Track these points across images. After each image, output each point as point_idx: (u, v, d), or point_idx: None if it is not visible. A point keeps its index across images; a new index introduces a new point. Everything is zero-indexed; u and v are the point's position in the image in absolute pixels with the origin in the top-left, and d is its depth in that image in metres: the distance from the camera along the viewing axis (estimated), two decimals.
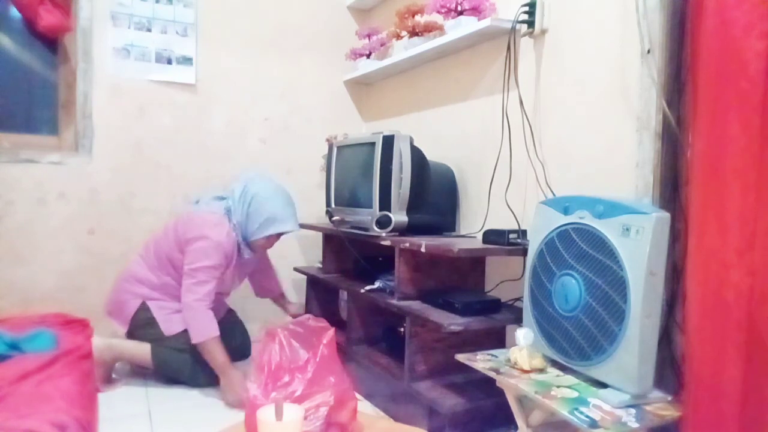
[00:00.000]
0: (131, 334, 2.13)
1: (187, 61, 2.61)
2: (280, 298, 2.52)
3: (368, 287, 2.07)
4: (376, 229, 1.97)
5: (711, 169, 1.15)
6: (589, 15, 1.69)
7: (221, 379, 1.97)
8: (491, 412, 1.68)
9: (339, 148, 2.31)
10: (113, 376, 2.16)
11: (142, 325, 2.10)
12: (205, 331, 1.95)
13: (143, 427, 1.79)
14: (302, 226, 2.40)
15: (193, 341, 1.96)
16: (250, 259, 2.17)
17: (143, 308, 2.10)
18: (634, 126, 1.53)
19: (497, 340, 1.92)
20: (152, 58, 2.55)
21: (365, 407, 1.93)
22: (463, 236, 2.12)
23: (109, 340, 2.11)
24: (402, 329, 1.96)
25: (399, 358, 1.88)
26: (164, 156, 2.59)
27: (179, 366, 2.08)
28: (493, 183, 2.04)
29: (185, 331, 2.00)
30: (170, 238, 2.10)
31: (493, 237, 1.79)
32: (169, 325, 2.07)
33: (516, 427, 1.45)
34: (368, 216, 2.01)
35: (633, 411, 1.25)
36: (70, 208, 2.44)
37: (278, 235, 2.15)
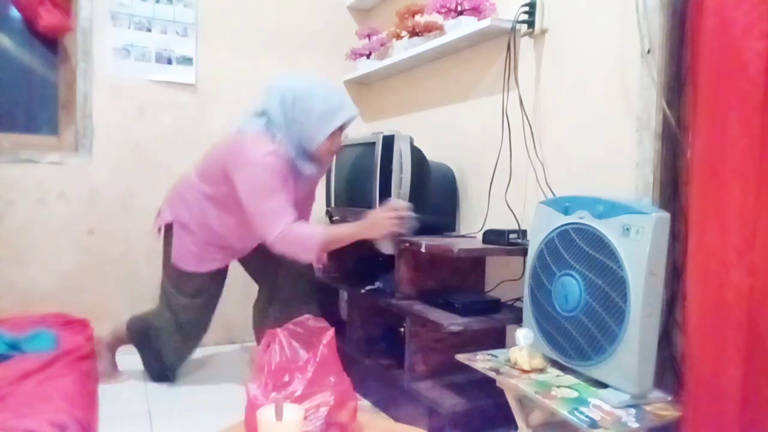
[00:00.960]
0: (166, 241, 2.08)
1: (187, 61, 2.61)
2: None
3: (368, 287, 2.07)
4: None
5: (711, 169, 1.15)
6: (589, 15, 1.69)
7: (363, 233, 1.80)
8: (491, 412, 1.68)
9: None
10: (118, 368, 2.18)
11: (165, 241, 2.07)
12: (310, 241, 1.77)
13: (143, 426, 1.79)
14: None
15: (308, 259, 1.86)
16: (313, 174, 1.93)
17: (169, 227, 2.05)
18: (634, 126, 1.53)
19: (497, 340, 1.92)
20: (152, 58, 2.55)
21: (365, 407, 1.93)
22: (463, 236, 2.12)
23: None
24: (402, 329, 1.96)
25: (399, 358, 1.88)
26: (164, 156, 2.59)
27: (158, 323, 2.06)
28: (493, 183, 2.04)
29: (190, 277, 2.00)
30: (214, 167, 1.91)
31: (493, 237, 1.79)
32: (180, 254, 2.02)
33: (516, 427, 1.45)
34: None
35: (633, 411, 1.25)
36: (70, 208, 2.44)
37: (341, 130, 1.87)
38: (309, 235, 1.77)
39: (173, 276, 2.04)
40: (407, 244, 1.83)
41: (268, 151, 1.76)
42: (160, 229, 2.08)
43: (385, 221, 1.74)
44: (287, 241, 1.76)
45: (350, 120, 1.85)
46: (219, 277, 2.12)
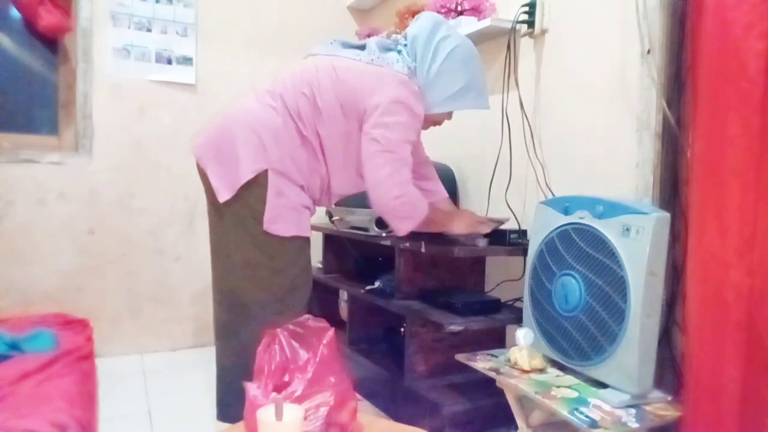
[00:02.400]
0: (216, 208, 1.60)
1: (187, 61, 2.61)
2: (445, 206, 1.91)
3: (368, 287, 2.07)
4: (375, 229, 1.97)
5: (711, 169, 1.15)
6: (589, 15, 1.69)
7: (452, 230, 1.72)
8: (491, 412, 1.68)
9: None
10: None
11: (242, 203, 1.53)
12: (422, 204, 1.60)
13: (143, 426, 1.80)
14: None
15: (406, 230, 1.60)
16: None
17: (259, 180, 1.51)
18: (634, 126, 1.53)
19: (497, 340, 1.92)
20: (152, 58, 2.55)
21: (365, 407, 1.93)
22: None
23: None
24: (402, 329, 1.96)
25: (399, 358, 1.88)
26: (164, 156, 2.59)
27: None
28: (493, 183, 2.04)
29: (291, 242, 1.54)
30: (344, 97, 1.53)
31: (493, 237, 1.79)
32: (273, 216, 1.51)
33: (516, 427, 1.45)
34: (368, 216, 2.01)
35: (633, 411, 1.25)
36: (70, 208, 2.44)
37: (450, 114, 1.69)
38: (422, 201, 1.60)
39: (269, 252, 1.54)
40: (407, 245, 1.83)
41: (418, 100, 1.54)
42: (236, 186, 1.52)
43: (473, 223, 1.72)
44: (408, 196, 1.55)
45: (476, 109, 1.64)
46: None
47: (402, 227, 1.61)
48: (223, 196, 1.55)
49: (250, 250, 1.55)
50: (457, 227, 1.72)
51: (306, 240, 1.60)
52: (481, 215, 1.81)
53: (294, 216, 1.56)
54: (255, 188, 1.52)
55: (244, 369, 1.32)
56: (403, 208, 1.56)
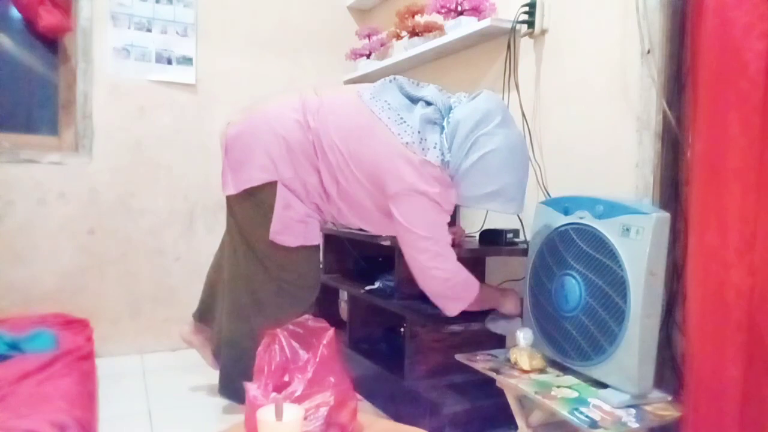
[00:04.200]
0: (232, 205, 1.67)
1: (187, 61, 2.61)
2: None
3: (368, 287, 2.07)
4: None
5: (711, 169, 1.15)
6: (589, 15, 1.69)
7: (502, 307, 1.69)
8: (491, 412, 1.68)
9: None
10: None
11: (252, 202, 1.61)
12: (472, 287, 1.59)
13: (143, 426, 1.80)
14: None
15: (457, 311, 1.60)
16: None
17: (268, 189, 1.58)
18: (634, 126, 1.53)
19: (497, 340, 1.92)
20: (152, 58, 2.55)
21: (365, 407, 1.93)
22: None
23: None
24: (402, 329, 1.96)
25: (399, 358, 1.88)
26: (164, 156, 2.59)
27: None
28: None
29: (295, 250, 1.61)
30: (360, 159, 1.54)
31: (491, 237, 1.79)
32: (282, 227, 1.59)
33: (516, 427, 1.45)
34: None
35: (633, 411, 1.25)
36: (70, 208, 2.44)
37: None
38: (472, 281, 1.59)
39: (273, 256, 1.63)
40: None
41: (447, 196, 1.51)
42: (244, 186, 1.61)
43: (518, 304, 1.68)
44: (455, 281, 1.56)
45: (504, 213, 1.58)
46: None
47: (452, 309, 1.60)
48: (228, 190, 1.62)
49: (249, 248, 1.66)
50: (510, 306, 1.68)
51: (311, 248, 1.66)
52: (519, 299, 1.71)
53: (301, 228, 1.62)
54: (263, 196, 1.58)
55: (252, 350, 1.43)
56: (452, 291, 1.57)
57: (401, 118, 1.53)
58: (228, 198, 1.67)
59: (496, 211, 1.54)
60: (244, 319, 1.69)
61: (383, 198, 1.55)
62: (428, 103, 1.57)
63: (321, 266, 2.03)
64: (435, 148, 1.49)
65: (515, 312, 1.68)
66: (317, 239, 1.67)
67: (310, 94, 1.65)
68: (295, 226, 1.60)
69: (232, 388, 1.72)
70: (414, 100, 1.59)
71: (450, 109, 1.57)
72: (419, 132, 1.50)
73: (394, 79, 1.65)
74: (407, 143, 1.49)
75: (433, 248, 1.52)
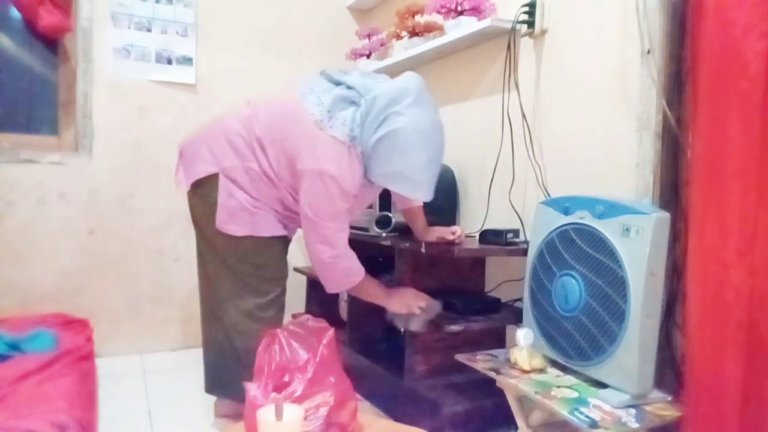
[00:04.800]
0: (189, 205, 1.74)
1: (187, 61, 2.61)
2: (416, 218, 1.88)
3: None
4: (376, 229, 1.97)
5: (711, 169, 1.15)
6: (589, 15, 1.69)
7: (388, 306, 1.74)
8: (491, 412, 1.68)
9: None
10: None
11: (199, 195, 1.68)
12: (353, 276, 1.66)
13: (143, 426, 1.80)
14: None
15: (334, 291, 1.71)
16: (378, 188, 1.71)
17: (212, 181, 1.64)
18: (634, 126, 1.53)
19: (497, 340, 1.92)
20: (152, 58, 2.55)
21: (365, 407, 1.93)
22: None
23: None
24: (402, 329, 1.95)
25: (399, 358, 1.88)
26: (164, 156, 2.59)
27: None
28: (493, 183, 2.04)
29: (245, 240, 1.63)
30: (281, 145, 1.59)
31: (491, 237, 1.79)
32: (228, 217, 1.63)
33: (516, 427, 1.45)
34: (368, 216, 2.01)
35: (633, 411, 1.25)
36: (70, 208, 2.44)
37: None
38: (354, 272, 1.66)
39: (223, 244, 1.66)
40: (407, 245, 1.83)
41: (348, 171, 1.52)
42: (193, 180, 1.68)
43: (410, 303, 1.71)
44: (333, 267, 1.63)
45: (412, 198, 1.65)
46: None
47: (329, 287, 1.70)
48: (180, 189, 1.74)
49: (209, 246, 1.70)
50: (394, 305, 1.73)
51: (265, 240, 1.67)
52: (420, 294, 1.74)
53: (246, 216, 1.64)
54: (208, 188, 1.65)
55: (230, 347, 1.70)
56: (330, 273, 1.65)
57: (320, 100, 1.57)
58: (188, 199, 1.75)
59: (404, 194, 1.56)
60: (216, 318, 1.72)
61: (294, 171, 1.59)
62: (350, 87, 1.59)
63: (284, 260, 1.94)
64: (344, 124, 1.52)
65: (400, 311, 1.72)
66: (270, 231, 1.67)
67: (257, 101, 1.73)
68: (239, 215, 1.63)
69: (218, 384, 1.78)
70: (337, 84, 1.62)
71: (372, 90, 1.58)
72: (329, 111, 1.53)
73: (323, 71, 1.69)
74: (317, 121, 1.53)
75: (321, 231, 1.57)
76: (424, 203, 1.84)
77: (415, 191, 1.53)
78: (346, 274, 1.65)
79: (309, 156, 1.53)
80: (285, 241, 1.75)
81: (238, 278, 1.67)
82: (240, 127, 1.64)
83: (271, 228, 1.68)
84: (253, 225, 1.64)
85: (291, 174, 1.60)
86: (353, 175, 1.53)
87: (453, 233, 1.73)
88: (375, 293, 1.73)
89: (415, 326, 1.72)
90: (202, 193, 1.67)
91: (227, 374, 1.71)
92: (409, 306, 1.70)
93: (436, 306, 1.72)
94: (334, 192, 1.52)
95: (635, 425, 1.19)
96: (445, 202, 2.18)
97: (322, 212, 1.55)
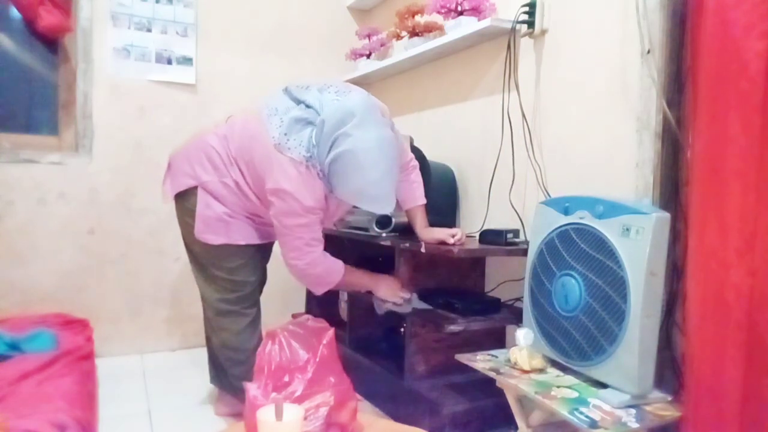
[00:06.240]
0: (177, 209, 1.85)
1: (187, 61, 2.61)
2: (417, 217, 1.90)
3: None
4: (376, 229, 1.97)
5: (711, 169, 1.15)
6: (589, 15, 1.69)
7: (377, 292, 1.85)
8: (491, 412, 1.68)
9: None
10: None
11: (181, 205, 1.82)
12: (332, 276, 1.76)
13: (143, 426, 1.80)
14: None
15: (321, 292, 1.81)
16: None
17: (191, 192, 1.77)
18: (634, 126, 1.53)
19: (497, 340, 1.92)
20: (152, 58, 2.55)
21: (365, 407, 1.93)
22: None
23: None
24: (402, 329, 1.96)
25: (399, 358, 1.88)
26: (164, 156, 2.56)
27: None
28: (492, 183, 2.04)
29: (220, 247, 1.75)
30: (252, 161, 1.69)
31: (491, 237, 1.79)
32: (204, 227, 1.75)
33: (516, 427, 1.45)
34: (368, 216, 2.01)
35: (633, 411, 1.25)
36: (70, 208, 2.44)
37: None
38: (333, 270, 1.76)
39: (203, 253, 1.79)
40: (407, 245, 1.83)
41: (308, 189, 1.59)
42: (175, 193, 1.81)
43: (395, 291, 1.83)
44: (309, 272, 1.73)
45: (373, 212, 1.73)
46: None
47: (315, 290, 1.81)
48: (166, 199, 1.85)
49: (189, 251, 1.85)
50: (383, 291, 1.84)
51: (239, 247, 1.78)
52: (399, 284, 1.86)
53: (221, 226, 1.76)
54: (190, 200, 1.77)
55: (210, 342, 1.91)
56: (308, 279, 1.77)
57: (281, 120, 1.64)
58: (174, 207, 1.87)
59: (366, 209, 1.62)
60: (206, 320, 1.89)
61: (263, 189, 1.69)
62: (308, 106, 1.64)
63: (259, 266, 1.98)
64: (300, 145, 1.59)
65: (387, 298, 1.83)
66: (245, 239, 1.79)
67: (234, 117, 1.83)
68: (215, 224, 1.75)
69: (212, 375, 1.92)
70: (297, 103, 1.68)
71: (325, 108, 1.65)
72: (285, 133, 1.61)
73: (286, 88, 1.75)
74: (276, 144, 1.61)
75: (293, 242, 1.67)
76: (426, 206, 1.90)
77: (374, 206, 1.59)
78: (326, 274, 1.76)
79: (270, 177, 1.63)
80: (261, 248, 1.87)
81: (211, 279, 1.81)
82: (217, 145, 1.76)
83: (246, 236, 1.79)
84: (228, 234, 1.76)
85: (264, 191, 1.69)
86: (314, 192, 1.61)
87: (453, 236, 1.73)
88: (362, 282, 1.85)
89: (402, 310, 1.83)
90: (183, 204, 1.80)
91: (215, 366, 1.90)
92: (395, 294, 1.82)
93: (414, 297, 1.86)
94: (297, 208, 1.61)
95: (635, 425, 1.19)
96: (445, 202, 2.18)
97: (290, 226, 1.65)
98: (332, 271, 1.77)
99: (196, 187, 1.76)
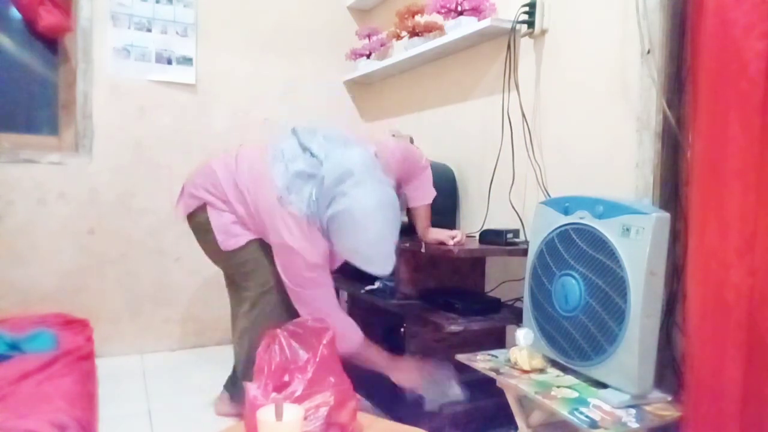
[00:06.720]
0: (192, 228, 1.82)
1: (187, 61, 2.61)
2: (420, 218, 1.88)
3: (368, 287, 2.07)
4: None
5: (711, 169, 1.15)
6: (589, 15, 1.69)
7: (392, 376, 1.71)
8: (491, 412, 1.68)
9: None
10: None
11: (197, 227, 1.79)
12: (350, 340, 1.67)
13: (143, 426, 1.80)
14: None
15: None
16: None
17: (202, 210, 1.75)
18: (634, 126, 1.53)
19: (497, 340, 1.92)
20: (152, 58, 2.55)
21: (365, 407, 1.93)
22: None
23: None
24: (402, 329, 1.95)
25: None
26: (164, 156, 2.59)
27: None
28: (492, 183, 2.04)
29: (245, 246, 1.72)
30: (257, 203, 1.67)
31: (491, 237, 1.79)
32: (225, 237, 1.72)
33: (516, 427, 1.45)
34: None
35: (633, 411, 1.25)
36: (70, 208, 2.44)
37: None
38: (345, 338, 1.63)
39: (235, 258, 1.76)
40: (407, 245, 1.83)
41: (312, 246, 1.57)
42: (187, 213, 1.81)
43: (416, 378, 1.68)
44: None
45: (368, 271, 1.58)
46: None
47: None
48: (179, 216, 1.85)
49: (224, 263, 1.81)
50: (400, 378, 1.70)
51: (258, 240, 1.73)
52: (424, 365, 1.69)
53: (238, 227, 1.73)
54: (201, 218, 1.75)
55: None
56: None
57: (285, 169, 1.62)
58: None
59: (362, 269, 1.54)
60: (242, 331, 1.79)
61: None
62: (313, 155, 1.62)
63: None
64: (301, 201, 1.57)
65: (405, 385, 1.67)
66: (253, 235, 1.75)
67: (245, 148, 1.81)
68: (234, 228, 1.73)
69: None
70: (303, 149, 1.65)
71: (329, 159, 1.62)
72: (288, 187, 1.59)
73: (294, 129, 1.72)
74: (279, 197, 1.59)
75: (301, 297, 1.63)
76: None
77: (368, 267, 1.53)
78: (346, 332, 1.66)
79: (273, 230, 1.61)
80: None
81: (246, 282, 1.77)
82: (227, 176, 1.73)
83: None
84: (245, 232, 1.73)
85: (265, 228, 1.67)
86: (316, 246, 1.58)
87: (453, 237, 1.73)
88: (378, 360, 1.71)
89: (447, 392, 1.64)
90: (195, 222, 1.79)
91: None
92: (415, 381, 1.66)
93: (449, 373, 1.66)
94: (300, 263, 1.59)
95: (635, 425, 1.19)
96: (445, 202, 2.18)
97: (296, 279, 1.62)
98: (346, 338, 1.64)
99: (205, 205, 1.74)
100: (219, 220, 1.72)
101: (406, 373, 1.69)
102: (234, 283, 1.83)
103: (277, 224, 1.59)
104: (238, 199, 1.70)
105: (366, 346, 1.70)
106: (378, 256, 1.52)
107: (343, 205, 1.48)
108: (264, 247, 1.72)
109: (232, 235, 1.72)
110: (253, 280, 1.74)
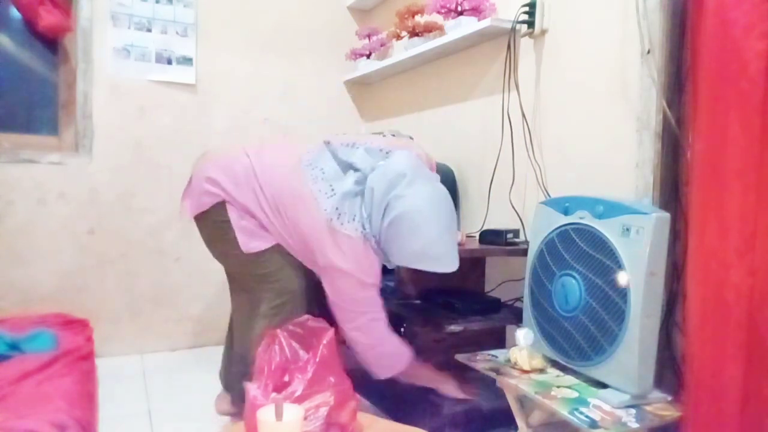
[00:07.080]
0: (202, 226, 1.72)
1: (187, 61, 2.61)
2: None
3: None
4: None
5: (711, 169, 1.15)
6: (589, 15, 1.69)
7: (441, 388, 1.69)
8: (491, 412, 1.68)
9: None
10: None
11: (212, 226, 1.67)
12: (395, 363, 1.62)
13: (143, 426, 1.80)
14: None
15: (385, 376, 1.62)
16: None
17: (219, 207, 1.63)
18: (634, 126, 1.53)
19: (497, 340, 1.92)
20: (152, 58, 2.55)
21: (365, 407, 1.93)
22: None
23: None
24: (402, 329, 1.95)
25: None
26: (164, 156, 2.59)
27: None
28: (492, 183, 2.04)
29: (269, 250, 1.63)
30: (294, 220, 1.59)
31: (491, 237, 1.79)
32: (247, 239, 1.62)
33: (516, 427, 1.45)
34: None
35: (633, 411, 1.25)
36: (70, 208, 2.43)
37: None
38: (396, 359, 1.61)
39: (256, 265, 1.66)
40: None
41: (367, 266, 1.54)
42: (200, 210, 1.67)
43: (458, 390, 1.68)
44: (371, 354, 1.60)
45: (436, 271, 1.53)
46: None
47: (377, 373, 1.63)
48: (185, 215, 1.71)
49: (239, 266, 1.70)
50: (450, 390, 1.68)
51: (277, 245, 1.65)
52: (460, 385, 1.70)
53: (263, 231, 1.64)
54: (216, 216, 1.64)
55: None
56: (373, 359, 1.61)
57: (332, 189, 1.56)
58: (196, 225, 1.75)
59: (429, 270, 1.52)
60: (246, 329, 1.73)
61: (312, 257, 1.60)
62: (356, 170, 1.58)
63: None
64: (354, 220, 1.52)
65: (456, 396, 1.67)
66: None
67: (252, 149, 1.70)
68: (258, 231, 1.63)
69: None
70: (345, 167, 1.61)
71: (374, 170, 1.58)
72: (337, 208, 1.53)
73: (329, 143, 1.67)
74: (329, 219, 1.53)
75: (354, 321, 1.58)
76: None
77: (437, 265, 1.50)
78: (388, 360, 1.62)
79: (324, 255, 1.54)
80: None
81: (263, 287, 1.68)
82: (248, 178, 1.62)
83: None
84: (267, 235, 1.64)
85: (305, 248, 1.60)
86: (372, 266, 1.55)
87: None
88: (429, 375, 1.69)
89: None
90: (209, 220, 1.67)
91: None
92: (455, 393, 1.68)
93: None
94: (355, 286, 1.54)
95: (635, 425, 1.19)
96: None
97: (350, 304, 1.56)
98: (396, 358, 1.62)
99: (223, 202, 1.63)
100: (240, 221, 1.62)
101: (452, 385, 1.68)
102: (242, 287, 1.77)
103: (326, 247, 1.53)
104: (263, 206, 1.62)
105: (416, 364, 1.65)
106: (446, 252, 1.50)
107: (401, 208, 1.46)
108: (287, 254, 1.66)
109: (255, 237, 1.63)
110: (273, 286, 1.66)
